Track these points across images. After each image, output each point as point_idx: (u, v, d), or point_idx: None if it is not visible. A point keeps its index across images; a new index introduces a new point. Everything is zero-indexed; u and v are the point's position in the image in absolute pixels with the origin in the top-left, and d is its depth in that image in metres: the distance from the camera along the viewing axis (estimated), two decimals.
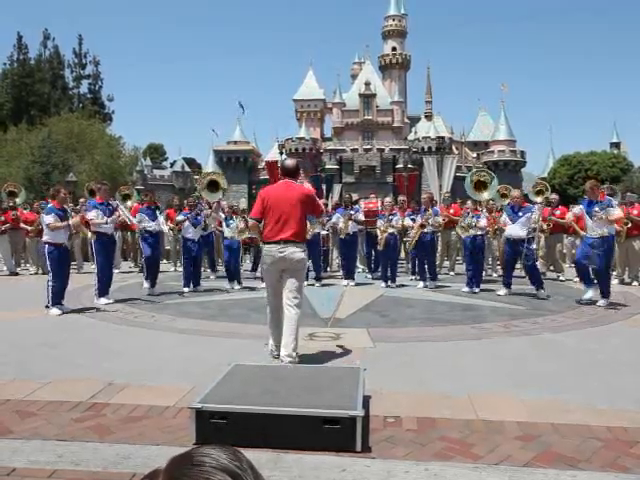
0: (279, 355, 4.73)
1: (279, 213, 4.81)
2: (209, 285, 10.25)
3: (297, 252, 4.78)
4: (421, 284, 10.12)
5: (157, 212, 9.51)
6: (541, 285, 8.83)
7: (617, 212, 7.77)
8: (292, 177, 5.12)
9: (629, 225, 10.36)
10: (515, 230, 8.77)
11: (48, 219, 7.33)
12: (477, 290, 9.32)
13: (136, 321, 6.80)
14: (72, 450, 2.89)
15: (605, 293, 7.85)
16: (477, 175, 9.57)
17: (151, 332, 6.12)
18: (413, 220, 10.61)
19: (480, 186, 9.37)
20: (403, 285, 10.26)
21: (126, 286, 9.97)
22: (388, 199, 11.00)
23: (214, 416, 2.99)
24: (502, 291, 9.06)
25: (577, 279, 10.82)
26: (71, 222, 7.56)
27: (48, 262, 7.38)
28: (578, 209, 8.38)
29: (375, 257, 11.77)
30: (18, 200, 13.59)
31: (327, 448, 2.88)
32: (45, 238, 7.45)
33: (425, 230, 9.96)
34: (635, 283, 10.47)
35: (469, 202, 10.44)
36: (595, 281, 7.94)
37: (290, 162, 5.29)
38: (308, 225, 10.11)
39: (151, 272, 9.17)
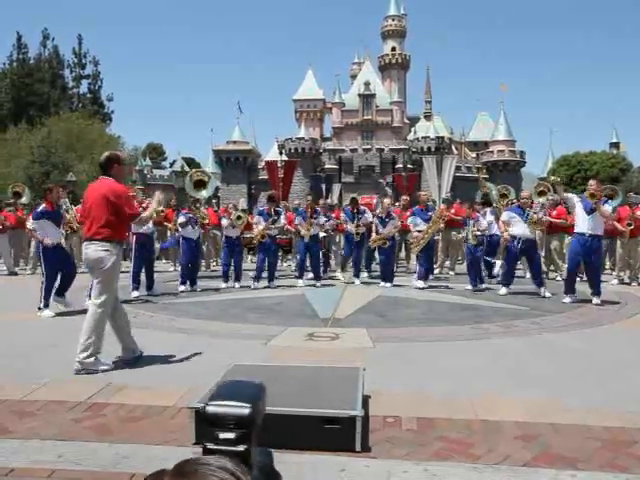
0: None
1: (86, 210, 4.74)
2: (207, 285, 10.23)
3: (94, 250, 4.58)
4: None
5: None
6: (543, 283, 8.95)
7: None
8: (105, 173, 4.72)
9: (632, 227, 10.37)
10: (526, 230, 8.86)
11: (33, 225, 7.29)
12: (483, 287, 9.56)
13: (135, 321, 6.76)
14: (71, 450, 2.89)
15: (596, 291, 8.00)
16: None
17: (150, 332, 6.12)
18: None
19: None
20: (402, 285, 10.25)
21: (126, 286, 9.95)
22: (387, 200, 10.89)
23: None
24: (502, 290, 9.08)
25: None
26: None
27: (43, 263, 7.32)
28: None
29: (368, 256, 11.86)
30: (23, 199, 13.59)
31: (327, 448, 2.88)
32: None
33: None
34: (634, 284, 10.47)
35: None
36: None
37: (103, 156, 4.81)
38: (302, 227, 10.16)
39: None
